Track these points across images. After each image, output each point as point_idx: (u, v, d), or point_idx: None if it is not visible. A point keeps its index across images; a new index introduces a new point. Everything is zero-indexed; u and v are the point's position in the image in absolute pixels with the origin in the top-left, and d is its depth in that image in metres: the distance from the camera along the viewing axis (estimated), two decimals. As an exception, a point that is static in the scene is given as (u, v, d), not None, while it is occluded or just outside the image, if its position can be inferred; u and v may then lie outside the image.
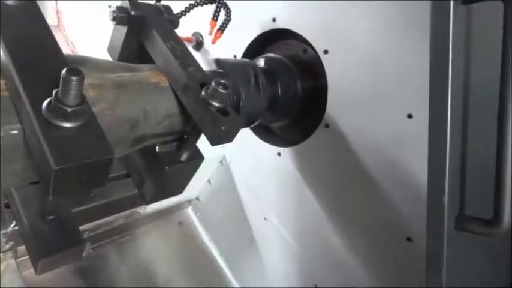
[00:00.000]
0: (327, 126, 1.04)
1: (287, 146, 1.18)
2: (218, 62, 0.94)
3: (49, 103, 0.48)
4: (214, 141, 0.70)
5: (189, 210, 1.63)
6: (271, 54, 1.10)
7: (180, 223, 1.59)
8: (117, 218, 1.43)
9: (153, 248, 1.50)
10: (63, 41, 1.75)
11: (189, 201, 1.62)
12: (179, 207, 1.61)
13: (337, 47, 0.98)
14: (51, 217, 0.68)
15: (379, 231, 0.99)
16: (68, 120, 0.48)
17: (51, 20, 1.78)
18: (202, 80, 0.72)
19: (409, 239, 0.91)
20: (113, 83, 0.69)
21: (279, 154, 1.20)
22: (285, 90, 1.05)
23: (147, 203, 0.88)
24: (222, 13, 1.10)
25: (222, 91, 0.68)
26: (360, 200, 1.02)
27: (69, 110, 0.48)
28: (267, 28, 1.13)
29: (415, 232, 0.90)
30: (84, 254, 1.35)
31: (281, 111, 1.08)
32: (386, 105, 0.92)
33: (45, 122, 0.48)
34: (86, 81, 0.65)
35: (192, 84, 0.72)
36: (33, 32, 0.58)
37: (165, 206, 1.55)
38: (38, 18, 0.61)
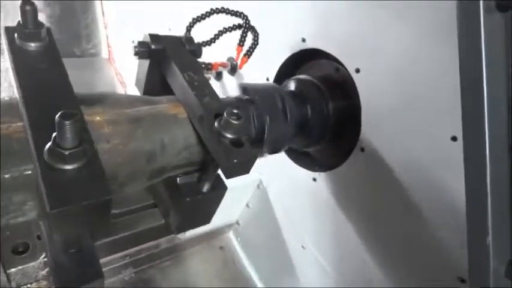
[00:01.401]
0: (362, 149, 0.97)
1: (323, 171, 1.11)
2: (244, 88, 0.92)
3: (50, 146, 0.49)
4: (228, 174, 0.68)
5: (230, 235, 1.62)
6: (301, 76, 1.05)
7: (221, 248, 1.58)
8: (160, 243, 1.46)
9: (195, 272, 1.50)
10: (114, 72, 1.88)
11: (230, 226, 1.60)
12: (220, 231, 1.60)
13: (369, 64, 0.91)
14: (72, 250, 0.70)
15: (426, 268, 0.88)
16: (66, 163, 0.49)
17: (103, 53, 1.94)
18: (217, 110, 0.70)
19: (462, 280, 0.79)
20: (128, 117, 0.70)
21: (314, 180, 1.14)
22: (316, 113, 0.99)
23: (174, 233, 0.87)
24: (251, 37, 1.09)
25: (235, 122, 0.66)
26: (402, 231, 0.92)
27: (67, 152, 0.48)
28: (296, 49, 1.10)
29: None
30: (126, 278, 1.39)
31: (313, 135, 1.03)
32: (427, 126, 0.82)
33: (46, 165, 0.49)
34: (102, 118, 0.68)
35: (206, 115, 0.70)
36: (49, 76, 0.61)
37: (207, 231, 1.55)
38: (56, 63, 0.64)
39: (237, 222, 1.57)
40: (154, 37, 0.81)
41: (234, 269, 1.53)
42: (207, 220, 0.89)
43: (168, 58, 0.80)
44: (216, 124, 0.67)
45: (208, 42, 1.09)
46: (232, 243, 1.59)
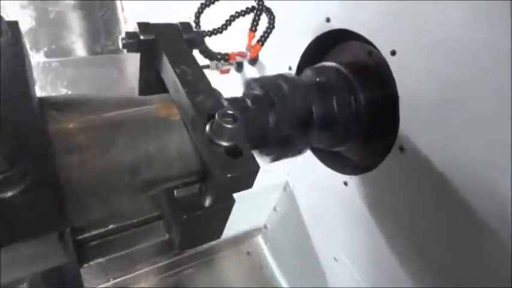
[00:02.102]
0: (401, 149, 0.79)
1: (354, 174, 0.95)
2: (248, 83, 0.78)
3: (-21, 170, 0.39)
4: (224, 190, 0.55)
5: (259, 239, 1.50)
6: (325, 63, 0.89)
7: (248, 253, 1.46)
8: (182, 248, 1.37)
9: (220, 279, 1.40)
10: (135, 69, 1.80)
11: (258, 230, 1.48)
12: (248, 236, 1.48)
13: (407, 45, 0.74)
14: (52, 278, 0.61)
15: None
16: (-2, 190, 0.38)
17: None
18: (211, 111, 0.57)
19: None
20: (107, 122, 0.59)
21: (345, 183, 0.98)
22: (343, 107, 0.83)
23: (178, 250, 0.76)
24: (266, 21, 0.94)
25: (228, 126, 0.52)
26: (450, 244, 0.74)
27: (-4, 178, 0.38)
28: (320, 31, 0.94)
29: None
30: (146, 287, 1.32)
31: (340, 132, 0.87)
32: (483, 120, 0.64)
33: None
34: (76, 124, 0.58)
35: (198, 117, 0.57)
36: (8, 79, 0.51)
37: (234, 235, 1.44)
38: (17, 61, 0.54)
39: (265, 227, 1.45)
40: (143, 26, 0.69)
41: (262, 276, 1.41)
42: (214, 236, 0.77)
43: (160, 50, 0.68)
44: (207, 128, 0.55)
45: (220, 30, 0.96)
46: (261, 249, 1.47)
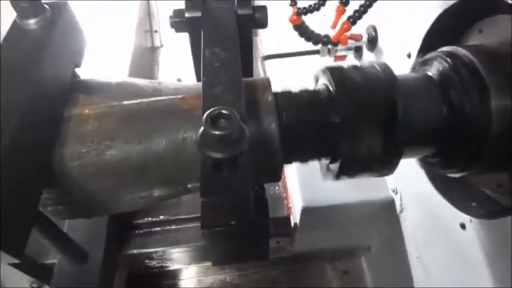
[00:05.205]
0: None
1: (478, 216, 0.65)
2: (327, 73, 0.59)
3: None
4: (204, 216, 0.41)
5: (362, 261, 1.25)
6: (446, 49, 0.61)
7: (345, 272, 1.25)
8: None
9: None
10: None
11: (360, 250, 1.24)
12: (349, 253, 1.26)
13: None
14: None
15: None
16: None
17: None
18: (214, 108, 0.43)
19: None
20: (122, 111, 0.53)
21: (462, 226, 0.68)
22: (461, 116, 0.56)
23: (212, 263, 0.66)
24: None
25: (215, 132, 0.38)
26: None
27: None
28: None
29: None
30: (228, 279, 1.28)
31: (456, 153, 0.59)
32: None
33: None
34: (92, 111, 0.53)
35: (203, 116, 0.45)
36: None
37: (332, 248, 1.25)
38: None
39: (368, 248, 1.20)
40: (190, 3, 0.60)
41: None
42: (245, 257, 0.63)
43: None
44: (199, 133, 0.41)
45: (316, 6, 0.76)
46: (362, 272, 1.24)
